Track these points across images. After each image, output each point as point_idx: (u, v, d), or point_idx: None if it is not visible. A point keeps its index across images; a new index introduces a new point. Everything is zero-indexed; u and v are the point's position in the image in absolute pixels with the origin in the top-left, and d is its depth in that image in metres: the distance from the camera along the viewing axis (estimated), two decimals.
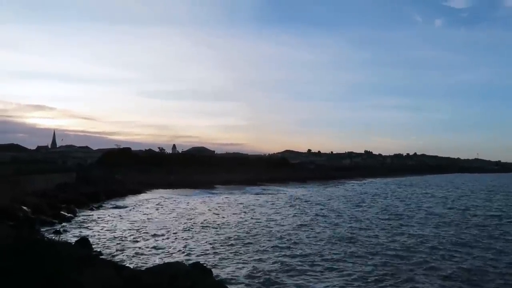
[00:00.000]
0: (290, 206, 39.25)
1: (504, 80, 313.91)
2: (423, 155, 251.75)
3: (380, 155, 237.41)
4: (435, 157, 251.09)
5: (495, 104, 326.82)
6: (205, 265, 11.14)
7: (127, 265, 11.22)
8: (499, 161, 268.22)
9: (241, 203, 41.20)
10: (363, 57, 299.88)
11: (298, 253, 17.90)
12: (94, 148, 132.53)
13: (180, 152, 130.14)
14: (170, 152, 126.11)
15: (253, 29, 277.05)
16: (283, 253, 17.84)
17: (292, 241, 20.83)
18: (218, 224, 26.52)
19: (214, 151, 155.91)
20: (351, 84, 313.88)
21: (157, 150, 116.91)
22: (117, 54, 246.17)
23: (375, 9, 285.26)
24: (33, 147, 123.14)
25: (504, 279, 14.18)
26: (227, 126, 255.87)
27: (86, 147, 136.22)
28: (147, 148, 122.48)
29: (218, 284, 7.76)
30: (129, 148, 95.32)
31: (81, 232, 22.49)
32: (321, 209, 36.22)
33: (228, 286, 8.91)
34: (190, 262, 13.04)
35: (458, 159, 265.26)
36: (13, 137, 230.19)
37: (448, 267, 15.77)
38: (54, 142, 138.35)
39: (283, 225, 26.38)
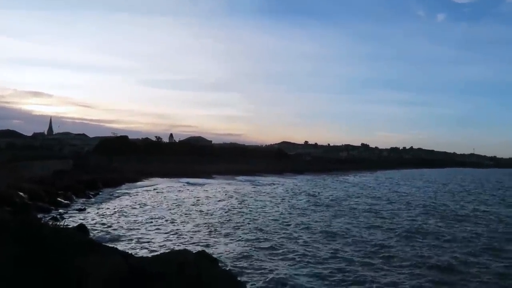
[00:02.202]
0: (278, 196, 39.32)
1: (502, 76, 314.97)
2: (419, 149, 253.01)
3: (376, 148, 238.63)
4: (432, 151, 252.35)
5: (492, 100, 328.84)
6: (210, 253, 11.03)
7: (129, 252, 11.10)
8: (495, 157, 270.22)
9: (237, 192, 41.17)
10: (364, 50, 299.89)
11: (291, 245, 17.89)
12: (91, 135, 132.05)
13: (177, 141, 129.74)
14: (167, 141, 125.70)
15: (254, 21, 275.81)
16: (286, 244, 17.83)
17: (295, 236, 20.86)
18: (216, 213, 26.44)
19: (211, 141, 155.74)
20: (351, 77, 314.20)
21: (154, 139, 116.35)
22: (116, 42, 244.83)
23: (378, 3, 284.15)
24: (29, 134, 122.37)
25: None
26: (225, 116, 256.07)
27: (83, 134, 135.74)
28: (144, 137, 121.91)
29: (225, 273, 7.64)
30: (126, 136, 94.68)
31: (78, 219, 22.34)
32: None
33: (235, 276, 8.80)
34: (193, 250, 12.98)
35: (454, 153, 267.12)
36: (9, 123, 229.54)
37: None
38: (50, 129, 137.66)
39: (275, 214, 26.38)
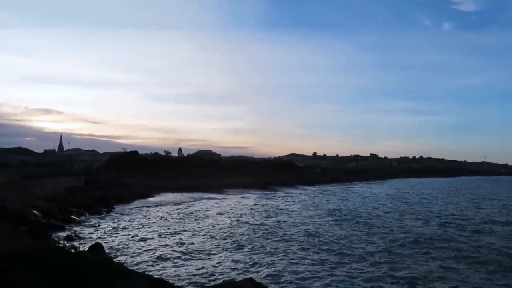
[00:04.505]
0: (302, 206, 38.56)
1: (511, 83, 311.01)
2: (429, 158, 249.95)
3: (386, 158, 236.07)
4: (442, 160, 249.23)
5: (502, 107, 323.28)
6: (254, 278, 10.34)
7: (153, 274, 10.53)
8: (507, 164, 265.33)
9: (258, 206, 40.61)
10: (370, 60, 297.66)
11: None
12: (101, 151, 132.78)
13: (186, 155, 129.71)
14: (176, 155, 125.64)
15: (259, 33, 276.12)
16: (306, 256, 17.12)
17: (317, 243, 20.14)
18: (240, 230, 25.77)
19: (220, 154, 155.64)
20: (357, 87, 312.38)
21: (163, 153, 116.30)
22: (123, 58, 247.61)
23: (383, 13, 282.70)
24: (40, 151, 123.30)
25: None
26: (233, 129, 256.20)
27: (93, 150, 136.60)
28: (153, 152, 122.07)
29: None
30: (136, 152, 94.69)
31: (92, 236, 21.87)
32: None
33: None
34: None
35: (465, 162, 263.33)
36: (21, 141, 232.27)
37: None
38: (61, 145, 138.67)
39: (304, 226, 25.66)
